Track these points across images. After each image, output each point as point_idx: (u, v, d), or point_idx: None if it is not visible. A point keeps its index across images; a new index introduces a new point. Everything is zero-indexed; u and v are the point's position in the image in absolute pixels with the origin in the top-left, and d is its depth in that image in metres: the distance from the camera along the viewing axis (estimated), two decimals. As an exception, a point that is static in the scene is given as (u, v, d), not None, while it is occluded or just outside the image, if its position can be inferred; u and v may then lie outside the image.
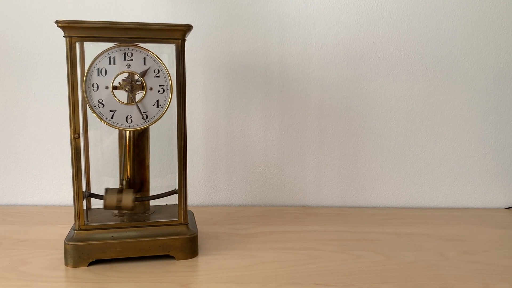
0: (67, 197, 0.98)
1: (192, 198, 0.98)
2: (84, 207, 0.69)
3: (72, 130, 0.66)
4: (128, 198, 0.70)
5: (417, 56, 0.96)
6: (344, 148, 0.98)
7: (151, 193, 0.76)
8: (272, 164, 0.99)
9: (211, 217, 0.91)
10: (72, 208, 0.68)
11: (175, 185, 0.74)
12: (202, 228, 0.82)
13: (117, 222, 0.71)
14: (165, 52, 0.70)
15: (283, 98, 0.97)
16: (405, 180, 0.99)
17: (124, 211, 0.72)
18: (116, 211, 0.72)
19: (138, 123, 0.69)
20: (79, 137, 0.67)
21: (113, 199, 0.69)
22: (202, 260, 0.71)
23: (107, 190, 0.70)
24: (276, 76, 0.96)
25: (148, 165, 0.76)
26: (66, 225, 0.86)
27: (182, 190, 0.71)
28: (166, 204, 0.80)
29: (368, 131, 0.98)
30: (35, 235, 0.80)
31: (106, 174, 0.75)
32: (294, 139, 0.98)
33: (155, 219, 0.73)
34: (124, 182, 0.73)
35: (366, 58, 0.96)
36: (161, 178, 0.78)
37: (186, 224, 0.71)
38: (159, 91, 0.69)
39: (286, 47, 0.95)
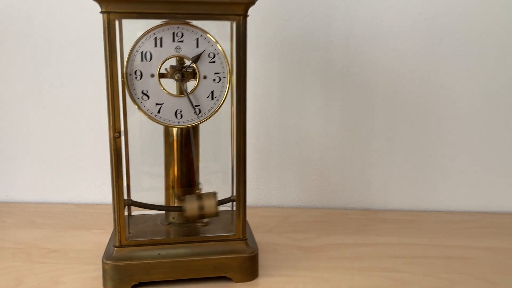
0: (101, 194, 0.87)
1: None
2: (126, 220, 0.58)
3: (111, 128, 0.54)
4: (211, 203, 0.59)
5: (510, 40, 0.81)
6: (417, 143, 0.85)
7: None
8: (332, 160, 0.86)
9: (263, 221, 0.79)
10: (108, 207, 0.57)
11: (225, 190, 0.63)
12: (257, 237, 0.71)
13: (163, 237, 0.59)
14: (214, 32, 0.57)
15: (346, 84, 0.83)
16: (489, 182, 0.85)
17: (206, 219, 0.62)
18: (200, 222, 0.62)
19: (189, 119, 0.57)
20: (119, 136, 0.55)
21: (194, 207, 0.58)
22: (263, 283, 0.59)
23: (185, 198, 0.60)
24: (339, 59, 0.82)
25: (197, 168, 0.64)
26: (102, 230, 0.75)
27: (240, 199, 0.59)
28: (217, 210, 0.68)
29: (446, 124, 0.84)
30: (66, 244, 0.70)
31: (149, 179, 0.64)
32: (358, 132, 0.85)
33: (206, 230, 0.61)
34: (201, 186, 0.61)
35: (448, 38, 0.81)
36: (210, 182, 0.66)
37: (245, 239, 0.60)
38: (214, 80, 0.57)
39: (351, 24, 0.81)
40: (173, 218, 0.63)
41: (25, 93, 0.84)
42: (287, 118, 0.85)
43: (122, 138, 0.56)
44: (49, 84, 0.84)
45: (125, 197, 0.59)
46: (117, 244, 0.57)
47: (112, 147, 0.55)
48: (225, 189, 0.65)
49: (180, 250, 0.58)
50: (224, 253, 0.58)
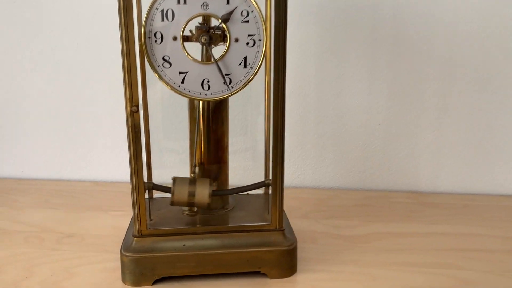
0: (119, 172, 0.80)
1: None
2: (146, 206, 0.50)
3: (128, 101, 0.47)
4: (203, 192, 0.50)
5: None
6: (474, 118, 0.74)
7: (230, 183, 0.57)
8: (376, 137, 0.76)
9: (298, 204, 0.72)
10: (128, 186, 0.50)
11: (257, 172, 0.55)
12: (292, 223, 0.63)
13: (190, 227, 0.52)
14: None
15: (395, 50, 0.73)
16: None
17: (196, 209, 0.53)
18: (186, 209, 0.53)
19: (218, 90, 0.49)
20: (137, 110, 0.47)
21: (183, 193, 0.50)
22: (302, 280, 0.51)
23: (175, 180, 0.51)
24: (388, 20, 0.72)
25: (227, 146, 0.56)
26: (121, 211, 0.69)
27: (277, 184, 0.51)
28: (248, 193, 0.61)
29: (509, 97, 0.73)
30: (82, 227, 0.64)
31: (172, 158, 0.56)
32: (407, 105, 0.75)
33: (238, 219, 0.54)
34: (197, 170, 0.53)
35: (517, -5, 0.69)
36: (240, 163, 0.58)
37: (282, 230, 0.52)
38: (247, 43, 0.48)
39: (402, -20, 0.70)
40: (189, 210, 0.56)
41: (37, 65, 0.77)
42: (326, 89, 0.75)
43: (141, 112, 0.48)
44: (63, 52, 0.76)
45: (145, 179, 0.51)
46: (136, 233, 0.50)
47: (130, 123, 0.47)
48: (255, 171, 0.57)
49: (209, 241, 0.51)
50: (258, 245, 0.51)
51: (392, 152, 0.77)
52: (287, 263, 0.51)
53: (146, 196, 0.51)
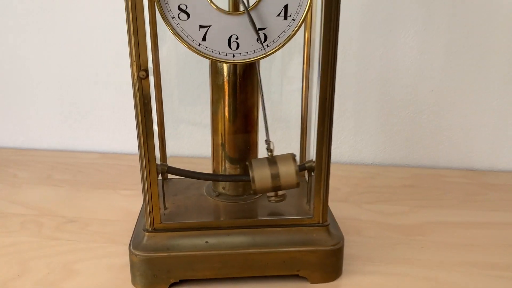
0: (130, 143, 0.71)
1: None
2: (160, 192, 0.41)
3: (135, 65, 0.36)
4: (288, 171, 0.41)
5: None
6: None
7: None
8: (427, 105, 0.65)
9: (334, 184, 0.61)
10: (137, 159, 0.40)
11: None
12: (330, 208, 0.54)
13: (212, 219, 0.42)
14: None
15: (457, 2, 0.60)
16: None
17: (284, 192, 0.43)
18: (272, 194, 0.43)
19: (249, 50, 0.38)
20: (147, 76, 0.37)
21: (266, 177, 0.41)
22: (349, 284, 0.42)
23: (252, 164, 0.42)
24: (450, -36, 0.59)
25: (257, 120, 0.45)
26: (130, 190, 0.60)
27: (323, 169, 0.40)
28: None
29: None
30: (88, 210, 0.55)
31: (190, 134, 0.46)
32: (466, 69, 0.63)
33: (271, 210, 0.44)
34: (272, 146, 0.43)
35: None
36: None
37: (326, 225, 0.42)
38: (289, -13, 0.36)
39: None
40: (224, 188, 0.46)
41: (39, 27, 0.66)
42: (370, 48, 0.63)
43: (151, 78, 0.38)
44: (65, 13, 0.65)
45: (158, 161, 0.41)
46: (148, 227, 0.41)
47: (137, 93, 0.37)
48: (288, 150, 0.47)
49: (236, 238, 0.41)
50: (297, 244, 0.41)
51: (445, 122, 0.65)
52: (332, 266, 0.42)
53: (160, 177, 0.42)
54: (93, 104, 0.70)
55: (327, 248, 0.41)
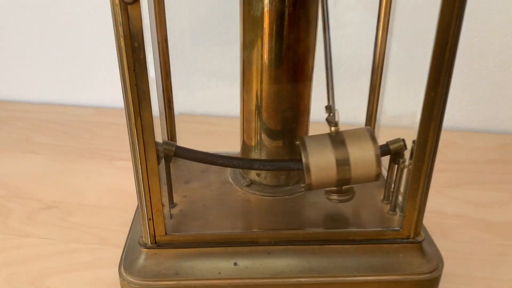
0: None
1: (348, 115, 0.53)
2: (165, 190, 0.26)
3: (111, -23, 0.20)
4: (365, 155, 0.26)
5: None
6: None
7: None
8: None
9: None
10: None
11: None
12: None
13: (242, 231, 0.28)
14: None
15: None
16: None
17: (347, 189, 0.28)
18: (335, 192, 0.28)
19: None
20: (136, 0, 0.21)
21: (328, 166, 0.26)
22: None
23: (305, 142, 0.27)
24: None
25: (311, 75, 0.30)
26: (128, 160, 0.45)
27: (427, 156, 0.25)
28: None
29: None
30: (72, 191, 0.41)
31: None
32: None
33: (334, 214, 0.30)
34: (337, 117, 0.27)
35: None
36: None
37: (419, 242, 0.27)
38: None
39: None
40: (259, 175, 0.32)
41: None
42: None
43: (145, 3, 0.22)
44: None
45: (159, 137, 0.26)
46: (147, 241, 0.27)
47: (121, 29, 0.21)
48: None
49: (281, 259, 0.27)
50: (374, 269, 0.27)
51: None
52: (424, 299, 0.28)
53: (167, 186, 0.27)
54: (86, 45, 0.55)
55: (421, 276, 0.27)
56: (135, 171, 0.25)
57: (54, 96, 0.58)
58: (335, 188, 0.28)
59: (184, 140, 0.35)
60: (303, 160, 0.26)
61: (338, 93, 0.46)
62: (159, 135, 0.27)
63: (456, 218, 0.38)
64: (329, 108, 0.27)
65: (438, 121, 0.24)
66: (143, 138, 0.24)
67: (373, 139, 0.26)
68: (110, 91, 0.58)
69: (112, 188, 0.42)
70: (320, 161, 0.26)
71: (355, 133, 0.27)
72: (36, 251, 0.34)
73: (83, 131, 0.52)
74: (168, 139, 0.36)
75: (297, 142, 0.27)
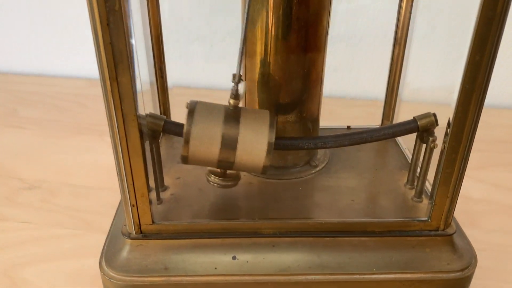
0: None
1: (365, 87, 0.49)
2: (151, 172, 0.22)
3: None
4: (253, 141, 0.22)
5: None
6: None
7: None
8: None
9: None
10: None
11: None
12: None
13: (243, 220, 0.24)
14: None
15: None
16: None
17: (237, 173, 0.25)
18: (215, 173, 0.24)
19: None
20: None
21: (210, 141, 0.22)
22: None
23: (193, 109, 0.23)
24: None
25: (325, 37, 0.25)
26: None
27: (465, 136, 0.21)
28: (348, 126, 0.32)
29: None
30: (57, 168, 0.37)
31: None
32: None
33: (345, 202, 0.25)
34: (242, 88, 0.23)
35: None
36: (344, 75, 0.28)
37: (449, 234, 0.23)
38: None
39: None
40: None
41: None
42: None
43: None
44: None
45: (141, 110, 0.22)
46: (132, 231, 0.23)
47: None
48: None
49: (288, 253, 0.23)
50: (397, 266, 0.23)
51: None
52: (453, 300, 0.24)
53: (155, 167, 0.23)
54: (76, 11, 0.50)
55: (451, 275, 0.23)
56: (114, 149, 0.21)
57: (43, 66, 0.54)
58: (218, 170, 0.24)
59: (180, 115, 0.31)
60: (185, 126, 0.22)
61: (352, 62, 0.42)
62: (150, 108, 0.23)
63: (484, 204, 0.34)
64: (235, 77, 0.22)
65: (481, 92, 0.20)
66: (121, 110, 0.20)
67: (271, 125, 0.22)
68: (92, 63, 0.53)
69: (102, 166, 0.38)
70: (203, 133, 0.22)
71: (254, 114, 0.23)
72: (13, 236, 0.30)
73: (73, 104, 0.48)
74: (160, 113, 0.32)
75: (187, 104, 0.23)
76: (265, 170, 0.23)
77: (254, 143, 0.22)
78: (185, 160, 0.22)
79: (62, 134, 0.42)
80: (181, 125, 0.23)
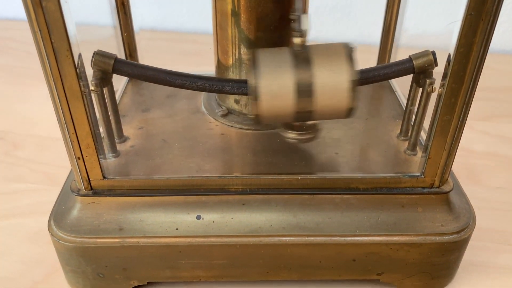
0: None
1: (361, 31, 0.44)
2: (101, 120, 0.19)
3: None
4: (336, 80, 0.18)
5: None
6: None
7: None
8: None
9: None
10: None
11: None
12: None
13: (211, 175, 0.21)
14: None
15: None
16: None
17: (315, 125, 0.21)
18: (294, 129, 0.21)
19: None
20: None
21: (285, 91, 0.18)
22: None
23: (257, 56, 0.19)
24: None
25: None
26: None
27: (468, 75, 0.17)
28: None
29: None
30: (23, 119, 0.35)
31: None
32: None
33: (330, 156, 0.22)
34: (304, 24, 0.19)
35: None
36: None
37: (445, 192, 0.20)
38: None
39: None
40: (238, 102, 0.24)
41: None
42: None
43: None
44: None
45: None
46: (81, 187, 0.20)
47: None
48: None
49: (260, 212, 0.20)
50: (384, 227, 0.20)
51: None
52: (447, 266, 0.21)
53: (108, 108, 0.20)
54: None
55: (445, 237, 0.20)
56: (50, 93, 0.18)
57: (15, 10, 0.50)
58: (293, 124, 0.20)
59: (150, 59, 0.27)
60: (252, 81, 0.18)
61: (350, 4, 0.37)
62: (114, 51, 0.20)
63: (488, 158, 0.30)
64: (295, 11, 0.18)
65: (489, 21, 0.16)
66: (51, 44, 0.16)
67: (350, 59, 0.18)
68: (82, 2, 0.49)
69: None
70: (274, 85, 0.18)
71: (327, 50, 0.19)
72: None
73: (20, 52, 0.44)
74: (126, 57, 0.28)
75: (248, 57, 0.19)
76: (350, 113, 0.19)
77: (334, 84, 0.18)
78: (258, 120, 0.19)
79: (30, 82, 0.39)
80: (135, 65, 0.20)
